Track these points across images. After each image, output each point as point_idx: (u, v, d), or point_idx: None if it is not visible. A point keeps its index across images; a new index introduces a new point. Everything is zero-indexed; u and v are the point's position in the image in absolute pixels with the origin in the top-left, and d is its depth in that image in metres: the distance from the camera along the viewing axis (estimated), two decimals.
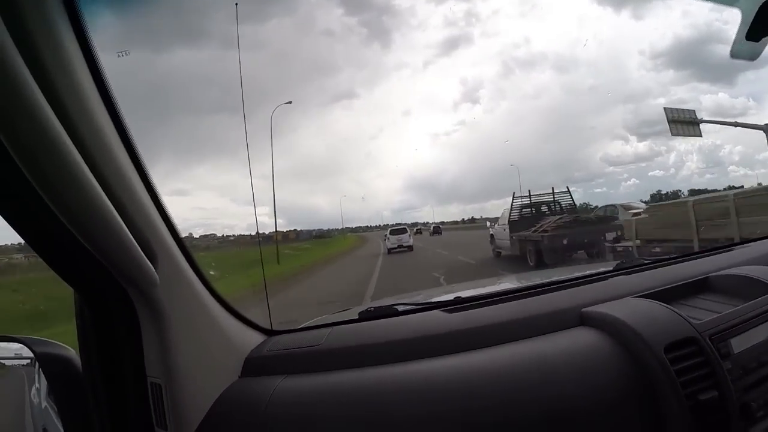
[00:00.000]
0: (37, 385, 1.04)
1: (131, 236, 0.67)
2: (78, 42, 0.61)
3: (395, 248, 16.76)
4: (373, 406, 0.78)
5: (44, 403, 1.03)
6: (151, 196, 0.74)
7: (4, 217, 0.64)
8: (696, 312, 0.96)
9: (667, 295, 1.02)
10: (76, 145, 0.57)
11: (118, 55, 0.80)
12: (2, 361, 1.11)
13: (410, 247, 16.74)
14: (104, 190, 0.62)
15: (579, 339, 0.88)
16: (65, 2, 0.58)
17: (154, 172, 0.75)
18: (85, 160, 0.58)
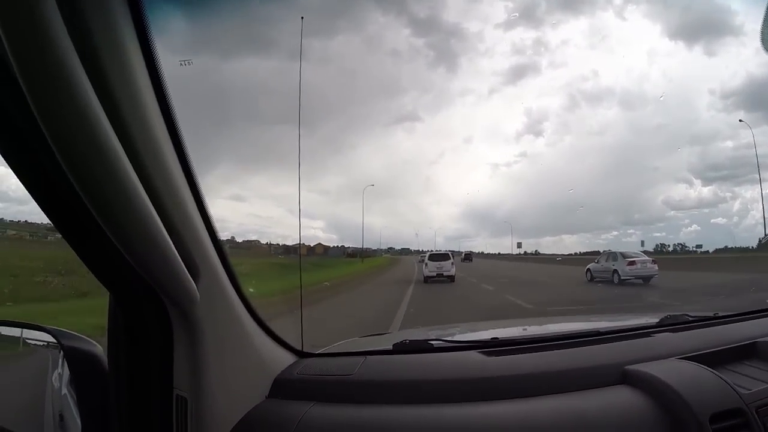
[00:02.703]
0: (59, 370, 1.05)
1: (176, 253, 0.65)
2: (140, 47, 0.58)
3: (433, 276, 13.58)
4: None
5: (64, 390, 1.03)
6: (199, 210, 0.72)
7: (50, 220, 0.63)
8: (742, 379, 0.92)
9: (714, 358, 0.97)
10: (129, 157, 0.55)
11: (181, 64, 0.78)
12: (29, 342, 1.13)
13: (452, 278, 13.58)
14: (154, 205, 0.59)
15: (620, 399, 0.85)
16: (130, 5, 0.56)
17: (215, 176, 0.73)
18: (137, 172, 0.56)
